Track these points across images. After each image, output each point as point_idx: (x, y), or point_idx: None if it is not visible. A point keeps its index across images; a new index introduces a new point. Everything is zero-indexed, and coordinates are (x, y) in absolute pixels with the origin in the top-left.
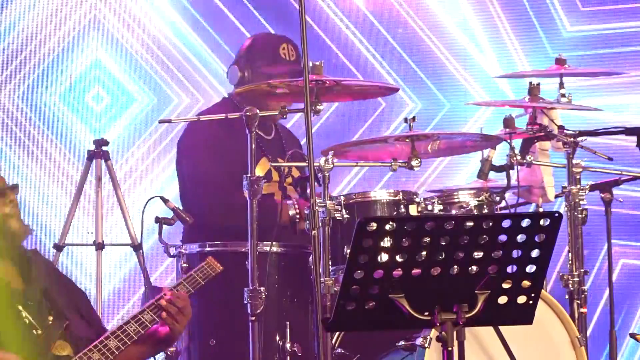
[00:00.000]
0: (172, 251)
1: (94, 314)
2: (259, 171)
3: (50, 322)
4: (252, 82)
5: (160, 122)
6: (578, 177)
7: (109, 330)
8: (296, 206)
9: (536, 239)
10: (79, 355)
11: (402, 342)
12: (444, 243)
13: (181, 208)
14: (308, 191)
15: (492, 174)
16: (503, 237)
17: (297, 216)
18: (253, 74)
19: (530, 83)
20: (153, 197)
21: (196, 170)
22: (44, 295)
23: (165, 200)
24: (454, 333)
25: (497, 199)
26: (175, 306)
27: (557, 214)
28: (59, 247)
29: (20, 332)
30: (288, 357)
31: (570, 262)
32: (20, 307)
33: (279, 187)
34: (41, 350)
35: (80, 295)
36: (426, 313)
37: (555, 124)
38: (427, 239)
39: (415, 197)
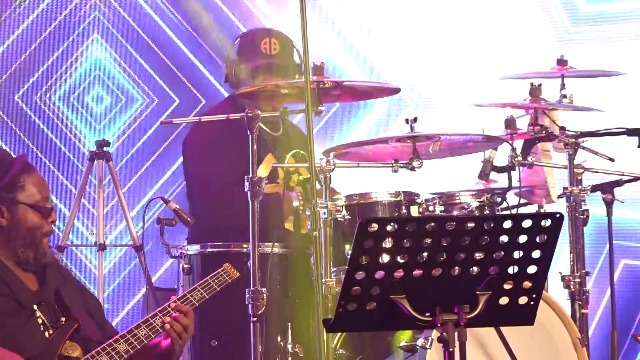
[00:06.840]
0: (174, 252)
1: (105, 319)
2: (264, 168)
3: (62, 323)
4: (235, 79)
5: (162, 123)
6: (579, 178)
7: (119, 334)
8: (300, 197)
9: (537, 239)
10: (85, 357)
11: (403, 343)
12: (445, 244)
13: (184, 208)
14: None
15: (493, 175)
16: (504, 238)
17: (301, 207)
18: (235, 71)
19: (532, 84)
20: (154, 198)
21: (200, 170)
22: (55, 297)
23: (166, 201)
24: (455, 334)
25: (499, 199)
26: (180, 323)
27: (558, 215)
28: (60, 248)
29: (33, 331)
30: (289, 358)
31: (571, 262)
32: (35, 307)
33: (284, 187)
34: (51, 351)
35: (93, 300)
36: (427, 314)
37: (557, 125)
38: (428, 240)
39: (416, 198)
